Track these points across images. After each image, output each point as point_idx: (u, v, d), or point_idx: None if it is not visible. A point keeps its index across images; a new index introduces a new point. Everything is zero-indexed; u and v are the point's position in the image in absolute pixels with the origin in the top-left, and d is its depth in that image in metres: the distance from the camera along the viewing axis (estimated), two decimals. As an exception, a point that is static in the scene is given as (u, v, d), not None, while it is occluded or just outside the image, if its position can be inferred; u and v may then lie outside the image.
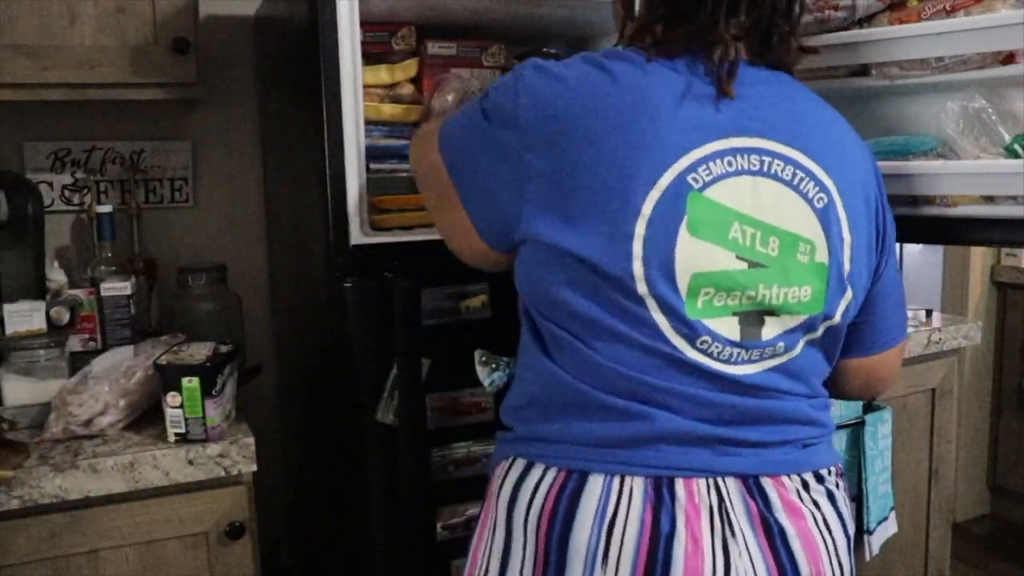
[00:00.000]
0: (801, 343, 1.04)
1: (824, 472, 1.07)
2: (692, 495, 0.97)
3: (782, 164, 0.99)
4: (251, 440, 1.41)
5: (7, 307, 1.54)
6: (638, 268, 0.94)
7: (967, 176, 1.23)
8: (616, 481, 0.97)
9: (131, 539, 1.36)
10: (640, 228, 0.94)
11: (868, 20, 1.33)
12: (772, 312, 1.00)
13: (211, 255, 2.04)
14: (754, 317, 0.99)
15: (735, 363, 0.99)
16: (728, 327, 0.98)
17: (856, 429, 2.00)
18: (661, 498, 0.96)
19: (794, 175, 1.00)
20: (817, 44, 1.27)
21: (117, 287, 1.66)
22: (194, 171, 2.04)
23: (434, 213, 1.20)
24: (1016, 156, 1.19)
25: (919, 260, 3.42)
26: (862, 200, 1.06)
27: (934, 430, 2.29)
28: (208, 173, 2.05)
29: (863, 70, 1.38)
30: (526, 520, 1.01)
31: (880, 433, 2.04)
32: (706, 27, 1.02)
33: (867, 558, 2.06)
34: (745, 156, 0.98)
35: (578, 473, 0.99)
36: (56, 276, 1.76)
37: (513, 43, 1.80)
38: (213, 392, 1.37)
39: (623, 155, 0.95)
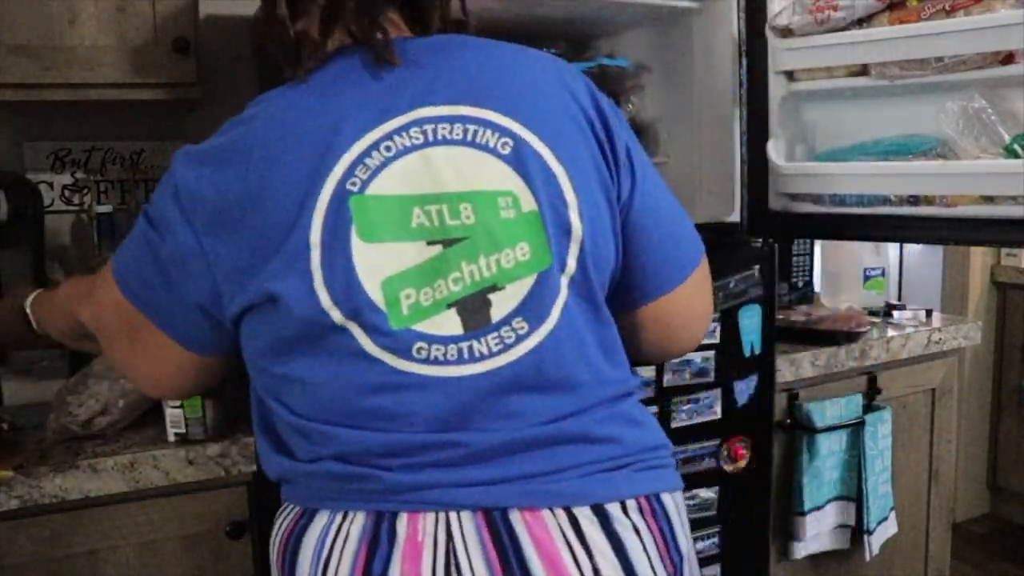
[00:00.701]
0: (555, 313, 0.89)
1: (612, 508, 0.89)
2: (415, 532, 0.86)
3: (447, 126, 0.89)
4: (251, 440, 1.41)
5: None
6: (325, 298, 0.85)
7: (967, 176, 1.24)
8: (338, 518, 0.89)
9: (131, 539, 1.36)
10: (315, 256, 0.85)
11: (868, 20, 1.33)
12: (494, 287, 0.88)
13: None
14: (475, 300, 0.87)
15: (469, 361, 0.87)
16: (447, 323, 0.87)
17: (856, 429, 2.00)
18: (378, 536, 0.87)
19: (465, 131, 0.89)
20: (817, 44, 1.28)
21: (117, 287, 1.65)
22: (194, 171, 2.03)
23: (126, 360, 1.05)
24: (1016, 156, 1.19)
25: (919, 260, 3.43)
26: (569, 124, 0.93)
27: (934, 430, 2.29)
28: (208, 173, 2.05)
29: (863, 70, 1.38)
30: (273, 555, 0.97)
31: (880, 433, 2.04)
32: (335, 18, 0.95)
33: (867, 558, 2.06)
34: (403, 134, 0.88)
35: (309, 511, 0.92)
36: (56, 276, 1.76)
37: (513, 43, 1.80)
38: (213, 392, 1.37)
39: (282, 191, 0.86)
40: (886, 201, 1.33)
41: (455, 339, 0.87)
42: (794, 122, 1.64)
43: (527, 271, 0.88)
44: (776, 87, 1.63)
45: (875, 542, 2.06)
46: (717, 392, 1.72)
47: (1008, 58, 1.20)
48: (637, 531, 0.90)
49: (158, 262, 0.93)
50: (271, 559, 0.99)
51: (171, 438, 1.38)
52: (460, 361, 0.87)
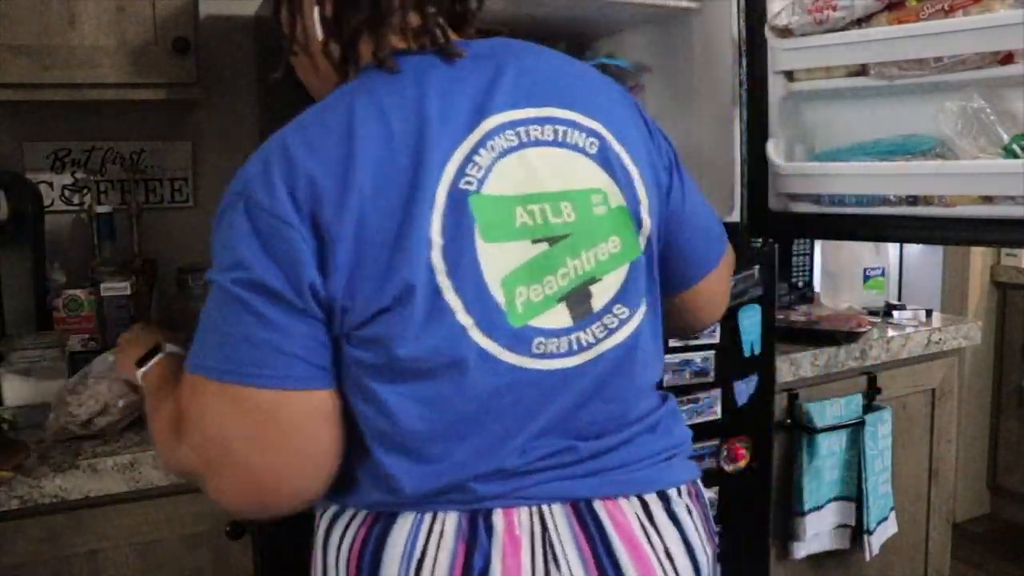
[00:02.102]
0: (643, 300, 0.97)
1: (672, 492, 0.97)
2: (512, 526, 0.89)
3: (538, 127, 0.92)
4: (251, 440, 1.40)
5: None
6: (453, 300, 0.85)
7: (966, 176, 1.24)
8: (427, 518, 0.90)
9: (131, 539, 1.36)
10: (436, 256, 0.84)
11: (867, 20, 1.33)
12: (593, 279, 0.92)
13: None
14: (580, 293, 0.92)
15: (579, 351, 0.91)
16: (558, 317, 0.90)
17: (856, 429, 2.00)
18: (476, 532, 0.88)
19: (555, 132, 0.92)
20: (816, 44, 1.28)
21: (117, 287, 1.66)
22: (194, 171, 2.04)
23: (257, 463, 0.87)
24: (1014, 156, 1.19)
25: (919, 260, 3.43)
26: (632, 126, 1.00)
27: (934, 430, 2.29)
28: (208, 173, 2.05)
29: (862, 70, 1.38)
30: (337, 563, 0.94)
31: (880, 433, 2.04)
32: (382, 19, 0.94)
33: (867, 558, 2.06)
34: (501, 135, 0.89)
35: (386, 515, 0.91)
36: (56, 276, 1.76)
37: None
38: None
39: (389, 184, 0.85)
40: (885, 201, 1.33)
41: (567, 331, 0.91)
42: (793, 122, 1.64)
43: (620, 262, 0.95)
44: (775, 87, 1.63)
45: (875, 542, 2.06)
46: (717, 392, 1.72)
47: (1007, 58, 1.20)
48: (689, 511, 0.99)
49: (258, 314, 0.84)
50: (315, 556, 0.98)
51: (171, 438, 1.38)
52: (571, 352, 0.91)
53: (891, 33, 1.27)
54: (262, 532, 1.47)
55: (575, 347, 0.91)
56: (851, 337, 2.06)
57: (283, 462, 0.87)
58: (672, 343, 1.62)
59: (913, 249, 3.40)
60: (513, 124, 0.91)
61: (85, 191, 1.94)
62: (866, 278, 2.41)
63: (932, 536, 2.35)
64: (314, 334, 0.86)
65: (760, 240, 1.74)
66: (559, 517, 0.91)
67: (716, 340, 1.69)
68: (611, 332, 0.94)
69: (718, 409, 1.73)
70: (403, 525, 0.90)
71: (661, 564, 0.93)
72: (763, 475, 1.85)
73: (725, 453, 1.76)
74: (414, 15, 0.96)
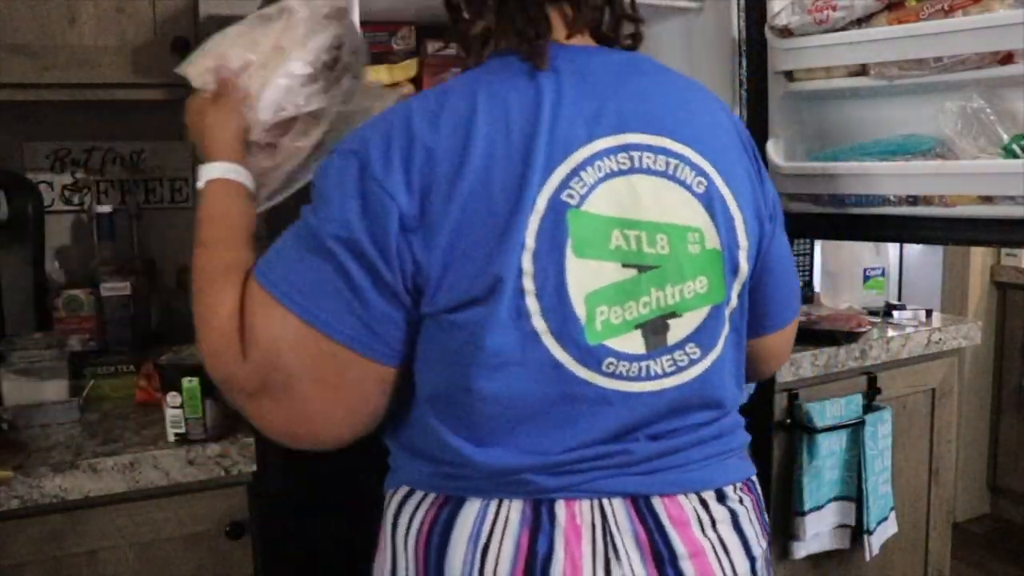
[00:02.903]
0: (720, 343, 0.98)
1: (728, 489, 1.00)
2: (574, 516, 0.92)
3: (652, 156, 0.93)
4: (251, 440, 1.41)
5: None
6: (532, 304, 0.88)
7: (965, 176, 1.24)
8: (493, 504, 0.93)
9: (131, 539, 1.36)
10: (526, 259, 0.87)
11: (866, 20, 1.33)
12: (673, 314, 0.94)
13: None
14: (657, 324, 0.94)
15: (646, 379, 0.93)
16: (632, 342, 0.92)
17: (856, 429, 2.00)
18: (539, 520, 0.92)
19: (667, 164, 0.94)
20: (816, 44, 1.28)
21: (117, 287, 1.66)
22: (194, 171, 2.03)
23: (308, 408, 0.95)
24: (1014, 156, 1.19)
25: (919, 260, 3.43)
26: (741, 170, 1.01)
27: (934, 430, 2.29)
28: (208, 173, 2.05)
29: (861, 70, 1.39)
30: (405, 543, 0.97)
31: (880, 433, 2.04)
32: (531, 15, 0.96)
33: (867, 558, 2.06)
34: (613, 157, 0.92)
35: (455, 498, 0.95)
36: (56, 276, 1.76)
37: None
38: (213, 392, 1.37)
39: (501, 183, 0.87)
40: (885, 201, 1.33)
41: (638, 357, 0.93)
42: (793, 122, 1.64)
43: (703, 303, 0.96)
44: (775, 87, 1.63)
45: (875, 542, 2.06)
46: (717, 392, 1.72)
47: (1007, 58, 1.20)
48: (744, 504, 1.01)
49: (344, 272, 0.88)
50: (384, 536, 1.02)
51: (171, 438, 1.38)
52: (639, 378, 0.93)
53: (891, 33, 1.27)
54: (262, 532, 1.47)
55: (643, 374, 0.93)
56: (851, 337, 2.06)
57: (336, 411, 0.95)
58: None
59: (913, 249, 3.39)
60: (627, 148, 0.93)
61: (85, 191, 1.94)
62: (866, 278, 2.41)
63: (932, 536, 2.35)
64: (392, 312, 0.90)
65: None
66: (619, 510, 0.93)
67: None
68: (680, 369, 0.95)
69: (718, 409, 1.73)
70: (470, 509, 0.93)
71: (717, 556, 0.96)
72: (763, 475, 1.84)
73: (725, 453, 1.76)
74: (520, 17, 0.97)
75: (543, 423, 0.92)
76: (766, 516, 1.07)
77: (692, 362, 0.96)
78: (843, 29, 1.33)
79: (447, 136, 0.88)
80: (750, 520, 1.01)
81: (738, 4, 1.67)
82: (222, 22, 1.98)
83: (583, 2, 1.00)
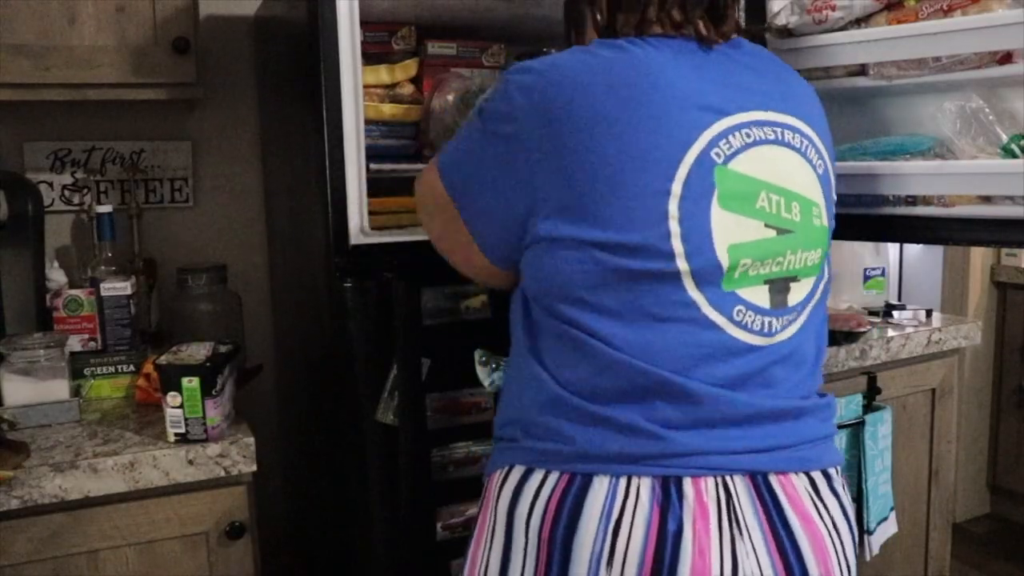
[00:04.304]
0: (813, 306, 1.08)
1: (832, 471, 1.07)
2: (700, 494, 0.96)
3: (792, 133, 1.03)
4: (251, 440, 1.41)
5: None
6: (677, 246, 0.95)
7: (964, 176, 1.24)
8: (623, 482, 0.96)
9: (131, 539, 1.36)
10: (673, 208, 0.94)
11: (865, 20, 1.33)
12: (795, 277, 1.03)
13: (211, 255, 2.04)
14: (782, 284, 1.02)
15: (768, 334, 1.01)
16: (760, 296, 1.00)
17: (856, 429, 2.00)
18: (669, 498, 0.95)
19: (801, 142, 1.04)
20: (815, 44, 1.28)
21: (117, 287, 1.66)
22: (194, 171, 2.04)
23: (435, 236, 1.20)
24: (1013, 156, 1.19)
25: (919, 260, 3.42)
26: (831, 159, 1.12)
27: (934, 430, 2.29)
28: (208, 173, 2.06)
29: (860, 70, 1.38)
30: (528, 523, 0.99)
31: (880, 433, 2.04)
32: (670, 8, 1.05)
33: (867, 558, 2.06)
34: (759, 128, 1.00)
35: (582, 476, 0.97)
36: (56, 276, 1.76)
37: (513, 43, 1.80)
38: (213, 392, 1.38)
39: (639, 136, 0.95)
40: (885, 201, 1.33)
41: (764, 312, 1.01)
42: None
43: (815, 272, 1.07)
44: (775, 87, 1.62)
45: (875, 542, 2.05)
46: (716, 392, 1.72)
47: (1006, 58, 1.20)
48: (843, 487, 1.08)
49: (483, 158, 1.04)
50: (495, 518, 1.04)
51: (171, 438, 1.38)
52: (761, 333, 1.01)
53: (890, 33, 1.27)
54: (262, 532, 1.47)
55: (766, 329, 1.01)
56: (851, 337, 2.06)
57: (465, 271, 1.18)
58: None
59: (913, 249, 3.39)
60: (773, 123, 1.02)
61: (85, 191, 1.95)
62: (866, 278, 2.41)
63: (932, 536, 2.34)
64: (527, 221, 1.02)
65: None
66: (741, 488, 0.98)
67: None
68: (787, 326, 1.03)
69: (718, 409, 1.73)
70: (600, 487, 0.96)
71: (830, 535, 1.02)
72: (763, 475, 1.84)
73: (725, 453, 1.76)
74: (677, 12, 1.06)
75: (673, 368, 0.97)
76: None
77: (794, 322, 1.04)
78: (842, 29, 1.33)
79: (575, 79, 0.97)
80: (848, 500, 1.08)
81: (738, 4, 1.67)
82: (222, 22, 1.99)
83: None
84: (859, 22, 1.33)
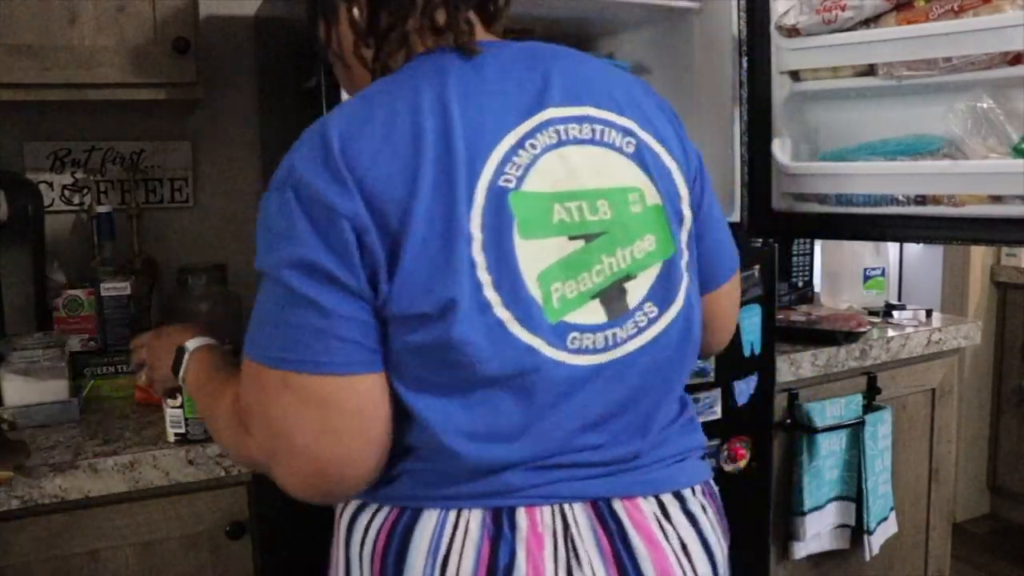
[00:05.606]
0: (681, 292, 0.98)
1: (687, 492, 1.00)
2: (535, 524, 0.90)
3: (576, 126, 0.93)
4: (252, 440, 1.40)
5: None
6: (492, 296, 0.86)
7: (975, 176, 1.24)
8: (452, 515, 0.91)
9: (131, 539, 1.36)
10: (478, 255, 0.85)
11: (875, 20, 1.33)
12: (628, 276, 0.94)
13: (211, 255, 2.03)
14: (615, 291, 0.93)
15: (612, 347, 0.92)
16: (593, 313, 0.91)
17: (856, 429, 2.00)
18: (500, 529, 0.90)
19: (593, 131, 0.94)
20: (824, 44, 1.28)
21: (117, 287, 1.65)
22: (194, 171, 2.03)
23: (319, 447, 0.88)
24: (1023, 156, 1.19)
25: (919, 260, 3.43)
26: (663, 124, 1.01)
27: (934, 430, 2.29)
28: (208, 173, 2.05)
29: (869, 70, 1.38)
30: (360, 557, 0.95)
31: (880, 433, 2.04)
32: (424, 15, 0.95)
33: (867, 558, 2.06)
34: (541, 134, 0.90)
35: (411, 510, 0.92)
36: (56, 276, 1.75)
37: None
38: (214, 392, 1.37)
39: (436, 180, 0.85)
40: (894, 201, 1.33)
41: (601, 327, 0.92)
42: (798, 122, 1.63)
43: (654, 260, 0.96)
44: (780, 87, 1.63)
45: (875, 542, 2.06)
46: (717, 392, 1.72)
47: (1016, 58, 1.20)
48: (704, 509, 1.01)
49: (311, 305, 0.85)
50: (336, 551, 0.99)
51: (171, 438, 1.38)
52: (605, 348, 0.92)
53: (900, 33, 1.27)
54: (262, 532, 1.47)
55: (609, 343, 0.92)
56: (851, 337, 2.06)
57: (346, 449, 0.88)
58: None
59: (913, 249, 3.40)
60: (552, 122, 0.92)
61: (85, 191, 1.94)
62: (866, 278, 2.41)
63: (932, 536, 2.35)
64: (366, 316, 0.86)
65: (760, 240, 1.74)
66: (580, 516, 0.92)
67: (718, 340, 1.69)
68: (640, 331, 0.95)
69: (718, 409, 1.73)
70: (428, 520, 0.91)
71: (678, 559, 0.95)
72: (763, 475, 1.85)
73: (725, 453, 1.76)
74: (441, 13, 0.96)
75: (525, 416, 0.90)
76: (725, 518, 1.08)
77: (651, 321, 0.95)
78: (851, 29, 1.33)
79: (389, 146, 0.85)
80: (710, 523, 1.01)
81: (738, 4, 1.67)
82: (222, 22, 1.98)
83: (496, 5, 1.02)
84: (868, 22, 1.33)
